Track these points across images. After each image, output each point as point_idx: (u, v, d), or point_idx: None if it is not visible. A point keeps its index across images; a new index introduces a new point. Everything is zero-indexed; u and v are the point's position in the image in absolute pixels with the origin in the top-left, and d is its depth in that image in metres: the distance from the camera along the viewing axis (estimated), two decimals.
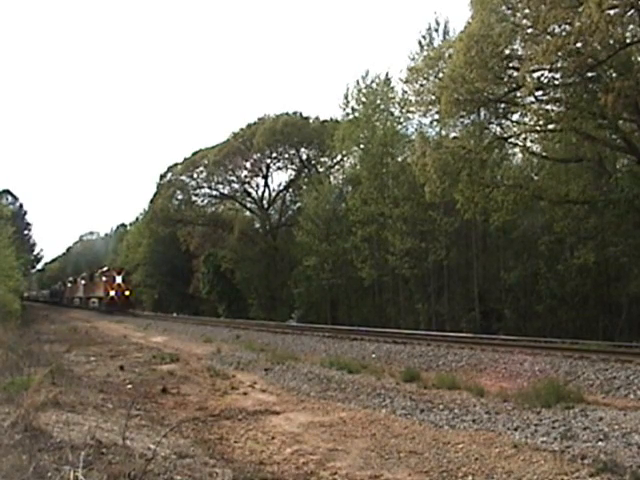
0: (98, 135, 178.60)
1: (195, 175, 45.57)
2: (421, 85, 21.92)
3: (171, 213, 45.53)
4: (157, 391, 10.40)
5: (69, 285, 67.05)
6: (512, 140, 21.71)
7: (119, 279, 46.32)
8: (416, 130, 27.58)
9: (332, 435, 7.35)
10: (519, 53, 18.26)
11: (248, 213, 46.23)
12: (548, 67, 17.02)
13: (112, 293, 45.63)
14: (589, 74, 17.41)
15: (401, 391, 10.01)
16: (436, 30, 25.32)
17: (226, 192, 45.50)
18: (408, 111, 27.17)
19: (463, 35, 19.02)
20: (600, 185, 21.25)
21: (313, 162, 41.77)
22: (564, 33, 16.04)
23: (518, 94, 18.32)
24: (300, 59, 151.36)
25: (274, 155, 42.11)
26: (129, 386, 10.91)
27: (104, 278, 46.91)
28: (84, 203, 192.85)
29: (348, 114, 31.99)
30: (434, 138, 24.27)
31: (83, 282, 56.32)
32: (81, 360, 14.68)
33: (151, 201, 47.97)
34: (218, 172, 44.10)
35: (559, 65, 16.90)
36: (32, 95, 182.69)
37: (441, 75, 20.63)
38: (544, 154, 22.93)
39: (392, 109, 30.42)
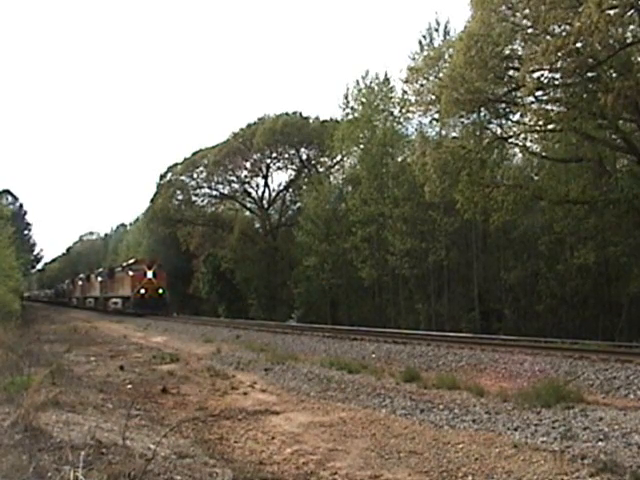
0: (98, 135, 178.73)
1: (195, 175, 45.65)
2: (421, 85, 21.95)
3: (171, 213, 45.54)
4: (157, 391, 10.39)
5: (80, 283, 58.92)
6: (512, 140, 21.74)
7: (150, 274, 38.48)
8: (416, 130, 27.66)
9: (332, 435, 7.34)
10: (519, 53, 18.28)
11: (248, 213, 46.30)
12: (548, 67, 17.02)
13: (142, 291, 37.94)
14: (589, 74, 17.41)
15: (401, 391, 10.00)
16: (436, 30, 25.40)
17: (226, 192, 45.58)
18: (408, 111, 27.25)
19: (463, 35, 19.04)
20: (600, 185, 21.24)
21: (313, 162, 41.81)
22: (564, 33, 16.04)
23: (518, 94, 18.33)
24: (300, 59, 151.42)
25: (274, 155, 42.17)
26: (129, 386, 10.90)
27: (131, 273, 38.99)
28: (84, 203, 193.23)
29: (348, 114, 32.09)
30: (434, 138, 24.31)
31: (100, 279, 48.33)
32: (81, 360, 14.67)
33: (151, 201, 47.97)
34: (218, 172, 44.15)
35: (559, 65, 16.89)
36: (32, 95, 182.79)
37: (441, 75, 20.65)
38: (544, 154, 22.94)
39: (392, 109, 30.50)
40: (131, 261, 42.15)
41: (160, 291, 38.65)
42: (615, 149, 20.57)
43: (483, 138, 20.56)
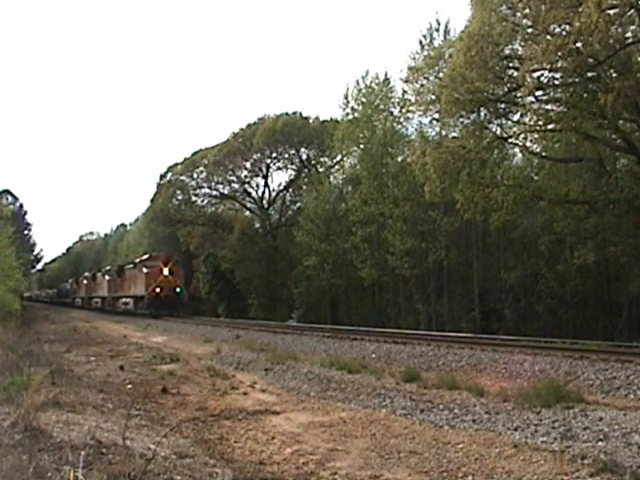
0: (98, 135, 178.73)
1: (195, 175, 45.71)
2: (421, 85, 21.97)
3: (171, 213, 45.58)
4: (157, 391, 10.38)
5: (84, 282, 56.02)
6: (512, 140, 21.72)
7: (167, 271, 35.09)
8: (416, 130, 27.68)
9: (332, 435, 7.34)
10: (519, 53, 18.27)
11: (248, 213, 46.34)
12: (548, 67, 17.04)
13: (158, 290, 34.56)
14: (589, 74, 17.42)
15: (401, 391, 9.99)
16: (437, 30, 25.41)
17: (226, 192, 45.62)
18: (408, 111, 27.25)
19: (463, 35, 19.05)
20: (600, 185, 21.27)
21: (313, 162, 41.84)
22: (564, 33, 16.06)
23: (518, 94, 18.33)
24: (300, 59, 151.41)
25: (274, 155, 42.22)
26: (129, 386, 10.90)
27: (145, 270, 35.45)
28: (84, 203, 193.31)
29: (348, 114, 32.11)
30: (434, 138, 24.33)
31: (107, 278, 45.45)
32: (81, 360, 14.66)
33: (151, 201, 48.01)
34: (218, 172, 44.19)
35: (559, 65, 16.92)
36: (32, 95, 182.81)
37: (441, 75, 20.65)
38: (544, 154, 22.94)
39: (392, 109, 30.53)
40: (145, 257, 38.58)
41: (177, 290, 35.51)
42: (615, 149, 20.58)
43: (483, 138, 20.53)
